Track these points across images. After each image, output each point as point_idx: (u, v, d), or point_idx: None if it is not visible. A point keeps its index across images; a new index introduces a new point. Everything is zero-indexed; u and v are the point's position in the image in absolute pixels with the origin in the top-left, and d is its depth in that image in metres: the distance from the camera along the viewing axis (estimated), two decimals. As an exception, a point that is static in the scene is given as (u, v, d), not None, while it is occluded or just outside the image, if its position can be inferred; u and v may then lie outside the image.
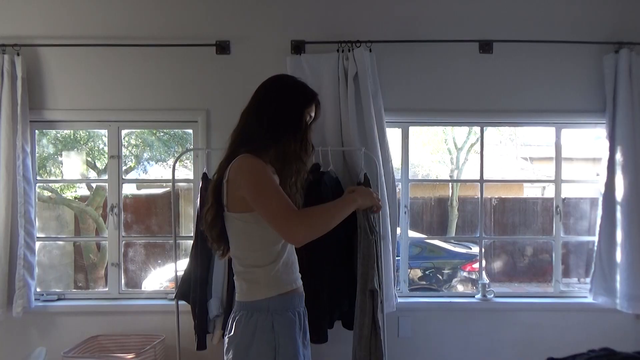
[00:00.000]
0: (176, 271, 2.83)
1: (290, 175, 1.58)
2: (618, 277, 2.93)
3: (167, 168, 4.83)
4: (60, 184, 5.02)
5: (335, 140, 2.86)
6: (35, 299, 3.01)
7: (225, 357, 1.56)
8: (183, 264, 2.88)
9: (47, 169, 4.75)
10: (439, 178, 7.73)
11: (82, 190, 5.35)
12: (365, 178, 2.75)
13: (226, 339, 1.57)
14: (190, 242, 2.82)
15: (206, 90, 3.03)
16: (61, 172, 4.86)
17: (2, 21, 3.00)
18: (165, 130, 4.88)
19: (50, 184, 4.76)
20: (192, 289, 2.70)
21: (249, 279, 1.55)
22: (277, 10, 3.03)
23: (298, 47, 2.95)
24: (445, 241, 5.98)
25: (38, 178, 3.25)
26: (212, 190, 1.58)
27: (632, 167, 2.88)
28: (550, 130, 3.20)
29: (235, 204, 1.53)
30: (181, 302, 2.78)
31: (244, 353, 1.48)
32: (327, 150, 2.75)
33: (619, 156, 2.91)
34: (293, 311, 1.55)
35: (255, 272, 1.54)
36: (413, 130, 3.20)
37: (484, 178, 3.23)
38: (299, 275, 1.65)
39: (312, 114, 1.63)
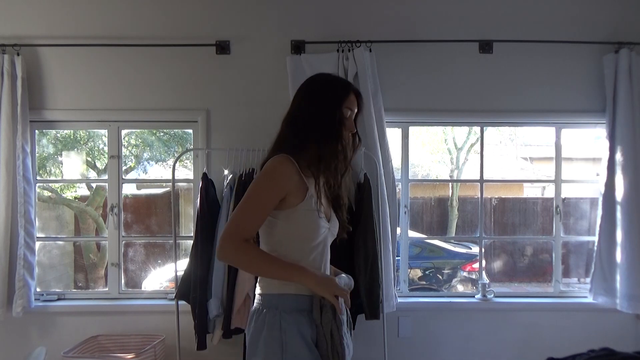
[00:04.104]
0: (176, 271, 2.83)
1: (331, 176, 1.55)
2: (618, 277, 2.93)
3: (167, 168, 4.83)
4: (60, 184, 5.02)
5: (335, 140, 2.85)
6: (35, 299, 3.01)
7: None
8: (183, 264, 2.88)
9: (47, 169, 4.75)
10: (439, 178, 7.72)
11: (82, 190, 5.35)
12: (365, 178, 2.75)
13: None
14: (190, 242, 2.82)
15: (206, 90, 3.03)
16: (61, 172, 4.86)
17: (2, 21, 3.00)
18: (165, 130, 4.88)
19: (50, 184, 4.76)
20: (192, 289, 2.70)
21: None
22: (277, 10, 3.03)
23: (298, 47, 2.95)
24: (445, 241, 5.97)
25: (38, 178, 3.25)
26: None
27: (632, 167, 2.88)
28: (550, 130, 3.20)
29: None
30: (181, 302, 2.78)
31: (254, 346, 1.48)
32: (327, 150, 2.75)
33: (619, 156, 2.91)
34: (303, 312, 1.49)
35: None
36: (413, 130, 3.21)
37: (484, 178, 3.23)
38: None
39: (354, 107, 1.57)
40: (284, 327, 1.45)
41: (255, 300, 1.56)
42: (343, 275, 1.59)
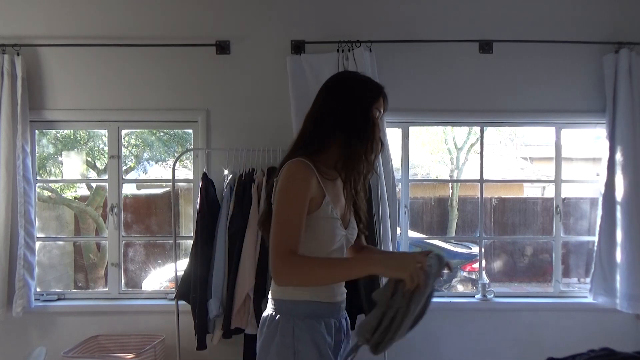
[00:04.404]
0: (176, 271, 2.83)
1: (355, 179, 1.50)
2: (618, 277, 2.93)
3: (167, 168, 4.83)
4: (60, 184, 5.02)
5: (335, 140, 2.86)
6: (35, 299, 3.01)
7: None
8: (183, 264, 2.88)
9: (47, 169, 4.75)
10: (439, 178, 7.72)
11: (82, 190, 5.35)
12: (365, 178, 2.75)
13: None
14: (190, 242, 2.82)
15: (206, 90, 3.03)
16: (61, 172, 4.86)
17: (2, 21, 3.00)
18: (165, 130, 4.88)
19: (50, 184, 4.76)
20: (192, 289, 2.70)
21: None
22: (277, 10, 3.03)
23: (298, 47, 2.95)
24: (445, 241, 5.97)
25: (38, 178, 3.25)
26: (268, 189, 1.53)
27: (632, 167, 2.88)
28: (550, 130, 3.20)
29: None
30: (181, 302, 2.78)
31: (266, 352, 1.45)
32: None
33: (619, 156, 2.91)
34: (319, 320, 1.46)
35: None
36: (413, 130, 3.20)
37: (484, 178, 3.23)
38: (342, 291, 1.56)
39: (381, 109, 1.53)
40: (297, 334, 1.41)
41: (268, 305, 1.52)
42: (432, 254, 1.41)
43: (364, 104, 1.48)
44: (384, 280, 1.37)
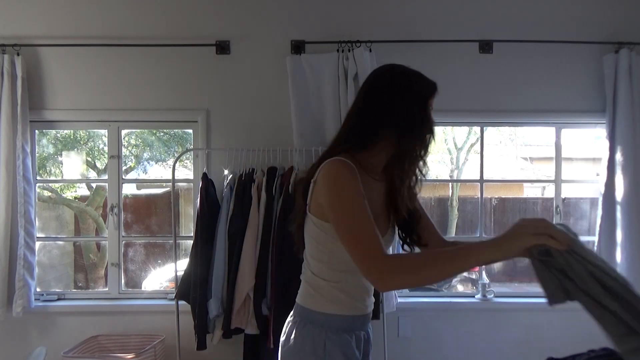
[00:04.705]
0: (176, 271, 2.83)
1: (406, 178, 1.39)
2: (618, 277, 2.93)
3: (167, 168, 4.83)
4: (60, 184, 5.02)
5: (335, 140, 2.86)
6: (35, 299, 3.01)
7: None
8: (183, 264, 2.88)
9: (47, 168, 4.75)
10: (439, 178, 7.72)
11: (82, 190, 5.35)
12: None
13: (280, 341, 1.45)
14: (190, 242, 2.82)
15: (206, 90, 3.03)
16: (61, 172, 4.86)
17: (2, 21, 3.00)
18: (165, 130, 4.88)
19: (50, 184, 4.76)
20: (192, 289, 2.70)
21: (313, 285, 1.40)
22: (277, 10, 3.03)
23: (298, 47, 2.95)
24: (445, 241, 5.97)
25: (38, 178, 3.25)
26: (301, 190, 1.40)
27: (632, 167, 2.88)
28: (550, 130, 3.20)
29: (316, 208, 1.34)
30: (181, 302, 2.78)
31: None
32: (327, 150, 2.75)
33: (619, 156, 2.91)
34: (350, 333, 1.40)
35: (319, 282, 1.39)
36: (413, 130, 3.20)
37: (484, 178, 3.23)
38: (371, 301, 1.47)
39: (432, 106, 1.43)
40: (329, 348, 1.35)
41: (295, 311, 1.44)
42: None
43: (422, 99, 1.38)
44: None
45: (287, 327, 1.44)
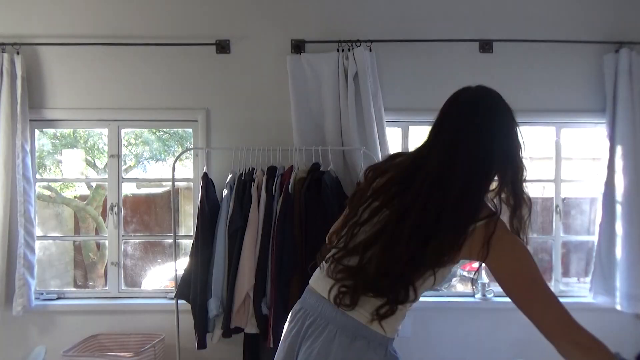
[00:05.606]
0: (176, 270, 2.83)
1: (521, 207, 1.38)
2: (618, 277, 2.93)
3: (167, 167, 4.83)
4: (60, 183, 5.02)
5: (335, 139, 2.86)
6: (35, 298, 3.01)
7: None
8: (183, 263, 2.87)
9: (47, 167, 4.75)
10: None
11: (82, 189, 5.35)
12: (365, 177, 2.74)
13: (307, 354, 1.33)
14: (190, 241, 2.82)
15: (206, 89, 3.03)
16: (61, 171, 4.86)
17: (2, 20, 3.00)
18: (165, 130, 4.88)
19: (50, 183, 4.76)
20: (192, 288, 2.70)
21: (389, 309, 1.33)
22: (277, 10, 3.02)
23: (298, 47, 2.95)
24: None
25: (38, 177, 3.25)
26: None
27: (632, 167, 2.88)
28: (550, 130, 3.19)
29: (452, 255, 1.26)
30: (181, 301, 2.78)
31: None
32: (327, 150, 2.75)
33: (619, 156, 2.91)
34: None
35: (399, 307, 1.35)
36: (413, 130, 3.20)
37: (484, 178, 3.23)
38: None
39: None
40: None
41: (355, 327, 1.34)
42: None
43: (515, 127, 1.38)
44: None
45: (319, 343, 1.33)
